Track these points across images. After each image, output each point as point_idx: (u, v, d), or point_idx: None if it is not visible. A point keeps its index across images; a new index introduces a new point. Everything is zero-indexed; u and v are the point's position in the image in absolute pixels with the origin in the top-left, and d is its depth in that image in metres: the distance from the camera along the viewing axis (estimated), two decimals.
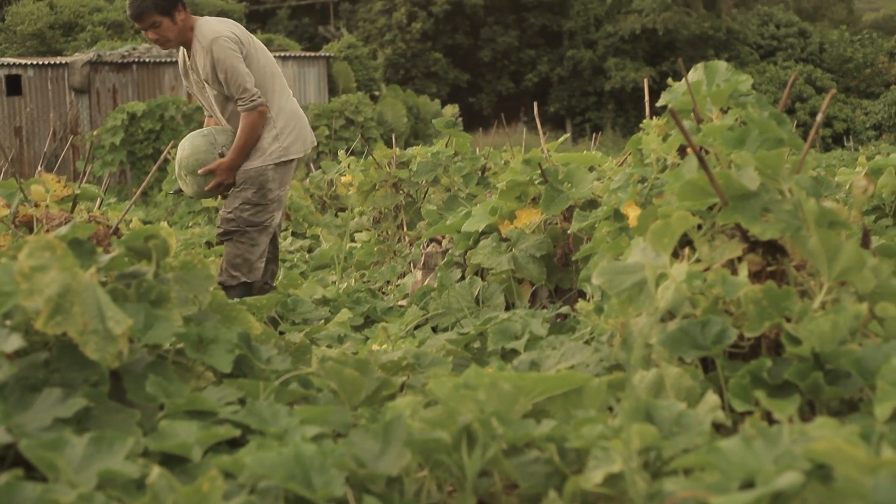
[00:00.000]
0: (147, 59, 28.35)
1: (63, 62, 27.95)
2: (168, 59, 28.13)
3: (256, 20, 46.51)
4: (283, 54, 30.47)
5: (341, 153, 14.52)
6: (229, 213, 6.57)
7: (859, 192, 3.31)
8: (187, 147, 6.54)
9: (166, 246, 3.28)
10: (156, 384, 2.87)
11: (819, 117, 3.29)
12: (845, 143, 40.34)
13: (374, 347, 4.93)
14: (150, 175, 4.84)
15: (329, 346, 5.27)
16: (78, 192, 5.26)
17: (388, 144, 11.25)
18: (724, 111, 3.69)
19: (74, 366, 2.78)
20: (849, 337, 2.87)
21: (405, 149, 10.20)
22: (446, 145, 9.22)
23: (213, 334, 3.15)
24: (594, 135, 11.94)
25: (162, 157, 5.67)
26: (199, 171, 6.46)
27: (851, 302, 2.96)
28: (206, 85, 6.50)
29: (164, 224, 3.72)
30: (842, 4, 60.57)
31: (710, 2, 50.10)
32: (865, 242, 3.35)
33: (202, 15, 6.69)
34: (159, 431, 2.69)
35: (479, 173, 8.90)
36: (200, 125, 7.19)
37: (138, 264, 3.28)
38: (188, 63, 6.60)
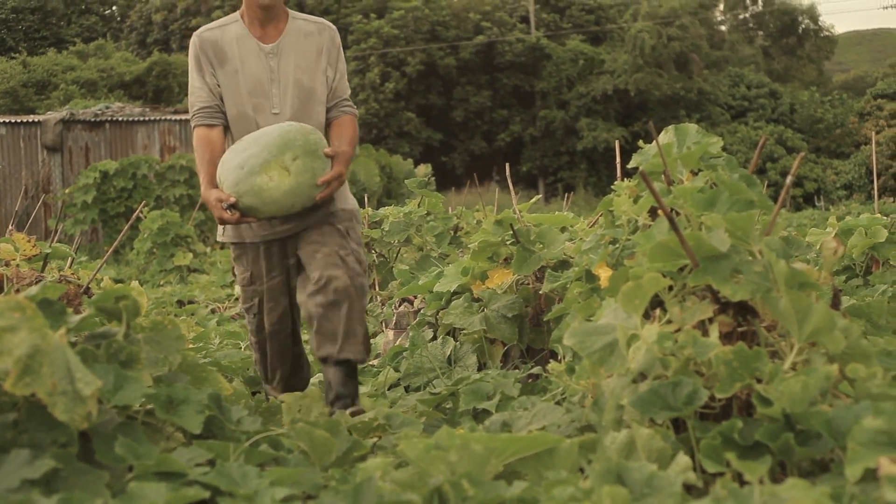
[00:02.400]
0: (120, 118, 28.31)
1: (36, 120, 27.90)
2: (140, 119, 28.13)
3: None
4: None
5: None
6: (349, 254, 5.01)
7: (829, 254, 3.33)
8: (292, 127, 4.80)
9: (137, 306, 3.27)
10: (125, 445, 2.86)
11: (789, 179, 3.31)
12: (816, 203, 40.70)
13: None
14: (122, 233, 4.84)
15: None
16: (49, 250, 5.25)
17: (361, 204, 11.25)
18: (694, 173, 3.71)
19: (43, 427, 2.76)
20: (819, 398, 2.87)
21: (378, 208, 10.22)
22: (419, 205, 9.23)
23: (184, 395, 3.13)
24: (566, 194, 12.02)
25: (135, 215, 5.67)
26: (327, 151, 4.82)
27: (822, 363, 2.96)
28: (298, 72, 5.19)
29: (135, 283, 3.71)
30: (812, 66, 61.25)
31: (682, 63, 50.56)
32: (835, 303, 3.37)
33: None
34: (128, 493, 2.66)
35: (452, 233, 8.92)
36: (174, 184, 6.76)
37: (109, 324, 3.27)
38: (266, 47, 5.15)
